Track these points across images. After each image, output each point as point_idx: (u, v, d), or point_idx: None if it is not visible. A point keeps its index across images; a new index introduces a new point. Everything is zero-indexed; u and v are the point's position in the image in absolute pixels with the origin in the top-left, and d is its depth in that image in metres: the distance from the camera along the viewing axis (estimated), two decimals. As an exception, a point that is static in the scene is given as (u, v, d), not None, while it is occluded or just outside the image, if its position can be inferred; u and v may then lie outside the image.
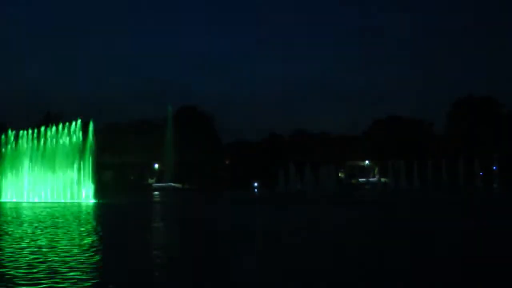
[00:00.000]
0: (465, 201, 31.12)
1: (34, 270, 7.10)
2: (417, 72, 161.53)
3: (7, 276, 6.73)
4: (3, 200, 34.53)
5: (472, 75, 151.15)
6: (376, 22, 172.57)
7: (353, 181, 74.18)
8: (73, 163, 34.39)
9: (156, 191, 60.33)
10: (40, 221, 16.05)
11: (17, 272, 6.98)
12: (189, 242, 11.70)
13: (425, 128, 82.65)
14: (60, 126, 35.93)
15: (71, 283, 6.34)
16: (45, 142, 35.90)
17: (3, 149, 36.77)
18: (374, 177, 76.94)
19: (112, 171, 68.53)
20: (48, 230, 13.07)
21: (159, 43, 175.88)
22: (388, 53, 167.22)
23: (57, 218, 17.77)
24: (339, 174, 78.48)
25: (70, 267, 7.36)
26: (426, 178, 60.76)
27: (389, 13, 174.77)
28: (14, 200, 34.32)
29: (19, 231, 13.04)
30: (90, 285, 6.26)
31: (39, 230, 13.05)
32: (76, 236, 11.85)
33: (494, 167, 60.82)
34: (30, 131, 36.66)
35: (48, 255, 8.51)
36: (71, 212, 21.45)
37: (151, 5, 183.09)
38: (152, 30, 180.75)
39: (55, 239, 10.96)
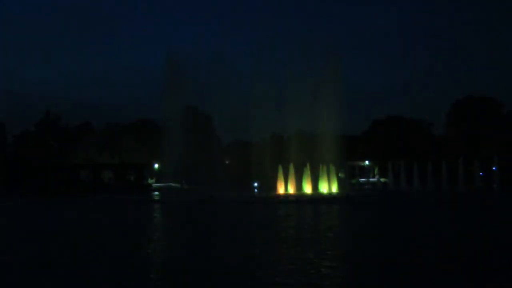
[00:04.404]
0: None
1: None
2: (417, 72, 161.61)
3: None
4: None
5: (472, 75, 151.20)
6: (376, 22, 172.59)
7: (353, 181, 74.04)
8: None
9: (155, 191, 60.17)
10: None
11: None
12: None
13: (425, 128, 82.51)
14: None
15: None
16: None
17: None
18: (374, 177, 76.81)
19: (112, 171, 68.32)
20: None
21: (158, 43, 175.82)
22: (388, 53, 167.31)
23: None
24: (339, 174, 78.29)
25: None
26: (426, 179, 60.64)
27: (389, 13, 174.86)
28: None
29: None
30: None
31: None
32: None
33: (494, 168, 60.65)
34: None
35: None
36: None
37: (150, 5, 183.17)
38: (150, 30, 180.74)
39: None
